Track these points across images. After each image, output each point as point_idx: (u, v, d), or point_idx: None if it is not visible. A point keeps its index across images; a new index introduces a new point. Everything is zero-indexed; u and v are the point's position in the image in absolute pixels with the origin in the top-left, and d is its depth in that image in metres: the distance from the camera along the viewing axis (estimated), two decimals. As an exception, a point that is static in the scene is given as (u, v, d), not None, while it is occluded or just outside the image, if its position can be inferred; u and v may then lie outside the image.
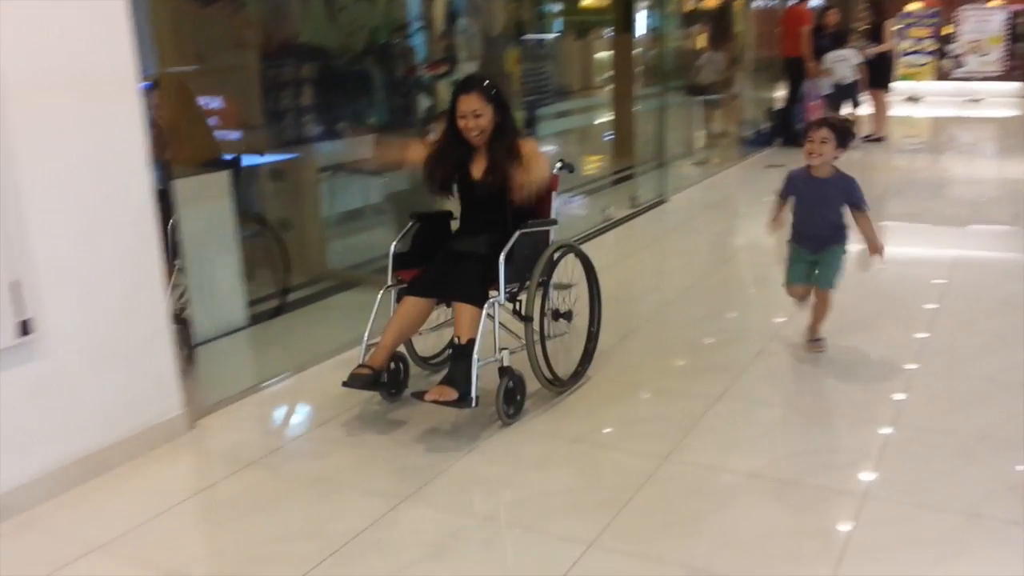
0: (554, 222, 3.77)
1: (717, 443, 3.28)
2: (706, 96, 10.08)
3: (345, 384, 3.38)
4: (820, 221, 3.95)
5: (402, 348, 3.71)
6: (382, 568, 2.58)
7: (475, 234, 3.63)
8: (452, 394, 3.23)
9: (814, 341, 4.12)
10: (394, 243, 3.73)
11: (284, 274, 5.07)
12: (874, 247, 3.88)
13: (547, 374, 3.65)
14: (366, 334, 3.54)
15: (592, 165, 9.48)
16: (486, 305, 3.42)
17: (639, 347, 4.33)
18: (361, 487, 3.06)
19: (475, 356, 3.29)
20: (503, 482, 3.10)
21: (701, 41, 10.40)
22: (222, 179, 4.68)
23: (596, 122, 10.21)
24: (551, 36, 9.48)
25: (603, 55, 10.12)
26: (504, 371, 3.45)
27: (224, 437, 3.48)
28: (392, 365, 3.64)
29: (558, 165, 3.81)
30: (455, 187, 3.74)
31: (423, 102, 5.62)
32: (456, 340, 3.38)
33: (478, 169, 3.65)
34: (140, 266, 3.29)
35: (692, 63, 9.98)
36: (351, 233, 6.16)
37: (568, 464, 3.21)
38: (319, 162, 6.00)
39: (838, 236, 3.96)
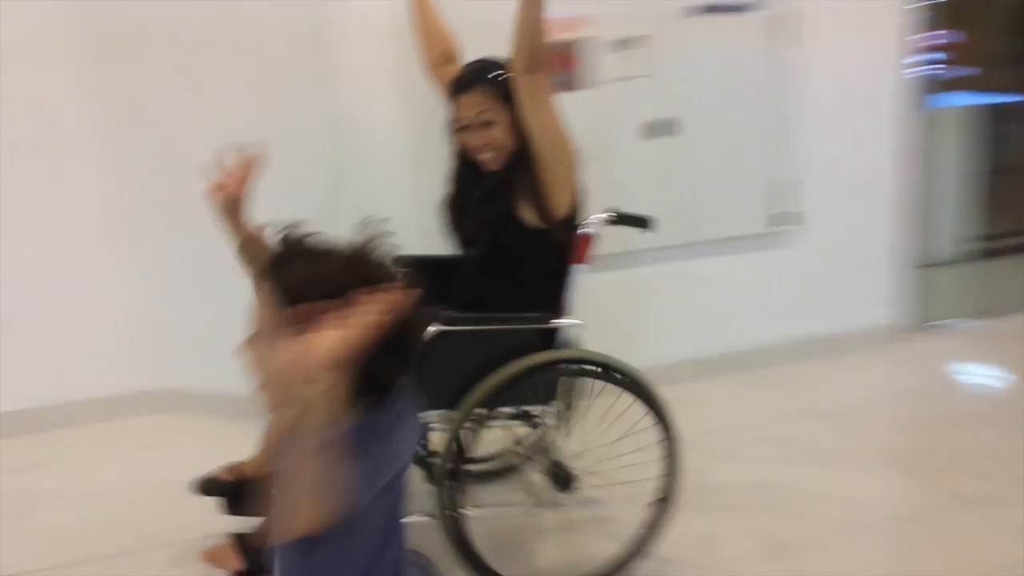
0: (547, 319, 2.14)
1: None
2: None
3: (194, 489, 2.30)
4: None
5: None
6: None
7: (454, 303, 2.18)
8: (231, 561, 2.11)
9: None
10: None
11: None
12: None
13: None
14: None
15: None
16: None
17: None
18: None
19: None
20: None
21: None
22: (961, 113, 4.73)
23: None
24: None
25: None
26: None
27: (927, 352, 3.64)
28: None
29: (604, 215, 2.20)
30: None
31: None
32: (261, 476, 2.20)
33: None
34: (889, 181, 3.57)
35: None
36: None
37: None
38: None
39: None
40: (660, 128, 3.16)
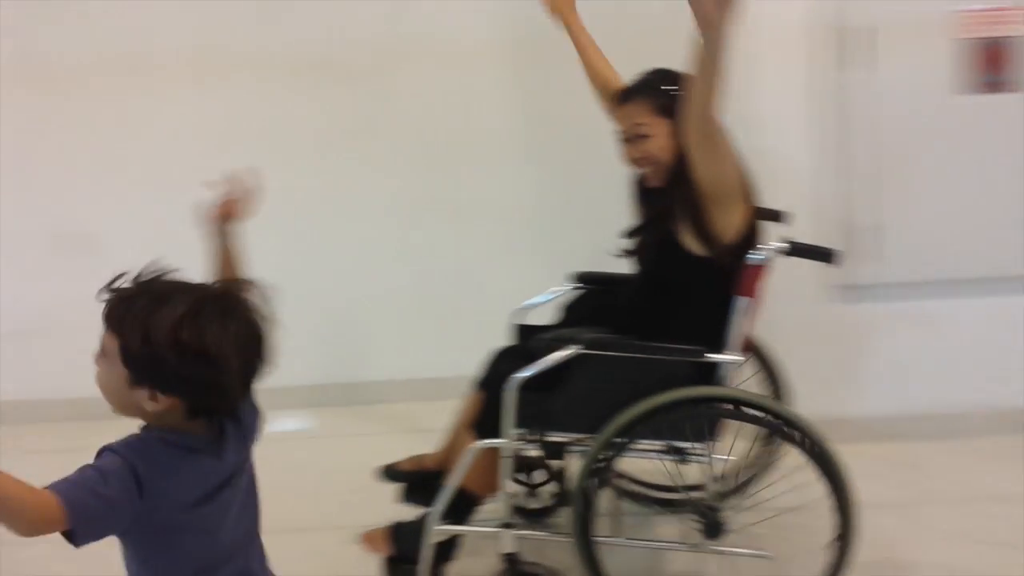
0: (699, 352, 1.99)
1: None
2: None
3: (379, 475, 2.47)
4: None
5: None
6: None
7: (614, 326, 2.18)
8: (383, 547, 2.21)
9: None
10: (531, 301, 2.43)
11: None
12: None
13: None
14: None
15: None
16: (478, 445, 2.09)
17: None
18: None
19: (438, 507, 2.11)
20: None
21: None
22: None
23: None
24: None
25: None
26: (506, 560, 2.17)
27: None
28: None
29: (779, 245, 2.05)
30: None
31: None
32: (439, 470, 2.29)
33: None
34: None
35: None
36: None
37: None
38: None
39: None
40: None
